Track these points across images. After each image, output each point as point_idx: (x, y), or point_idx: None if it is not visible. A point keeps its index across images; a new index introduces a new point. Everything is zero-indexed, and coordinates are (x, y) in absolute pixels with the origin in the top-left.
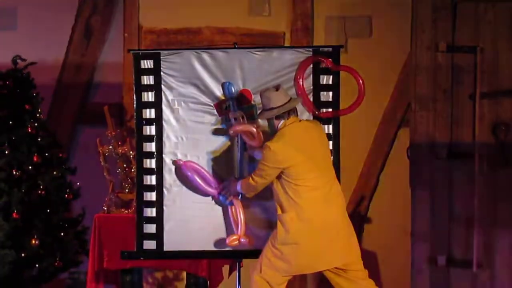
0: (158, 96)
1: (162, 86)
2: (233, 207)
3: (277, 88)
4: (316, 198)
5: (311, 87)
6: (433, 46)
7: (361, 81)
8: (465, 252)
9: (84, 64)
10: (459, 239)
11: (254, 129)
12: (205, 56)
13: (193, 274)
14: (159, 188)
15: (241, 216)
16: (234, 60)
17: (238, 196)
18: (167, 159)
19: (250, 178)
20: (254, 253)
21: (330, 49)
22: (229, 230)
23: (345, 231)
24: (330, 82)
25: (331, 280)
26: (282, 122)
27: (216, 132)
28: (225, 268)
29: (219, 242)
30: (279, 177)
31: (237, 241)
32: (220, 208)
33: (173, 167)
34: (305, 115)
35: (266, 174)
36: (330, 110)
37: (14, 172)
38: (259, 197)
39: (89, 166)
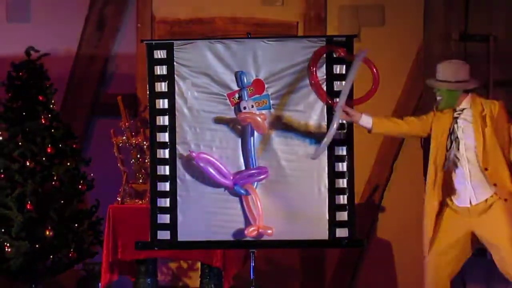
0: (171, 86)
1: (175, 76)
2: (248, 196)
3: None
4: None
5: (324, 77)
6: (445, 35)
7: (375, 71)
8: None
9: (98, 55)
10: None
11: (260, 119)
12: (218, 46)
13: (207, 264)
14: (172, 178)
15: (259, 206)
16: (247, 50)
17: None
18: (181, 149)
19: None
20: (269, 243)
21: (344, 38)
22: (245, 220)
23: None
24: (344, 72)
25: None
26: (469, 96)
27: (229, 122)
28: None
29: (234, 232)
30: None
31: (256, 232)
32: (234, 198)
33: (186, 157)
34: (318, 104)
35: None
36: None
37: (28, 164)
38: (276, 186)
39: (103, 157)
